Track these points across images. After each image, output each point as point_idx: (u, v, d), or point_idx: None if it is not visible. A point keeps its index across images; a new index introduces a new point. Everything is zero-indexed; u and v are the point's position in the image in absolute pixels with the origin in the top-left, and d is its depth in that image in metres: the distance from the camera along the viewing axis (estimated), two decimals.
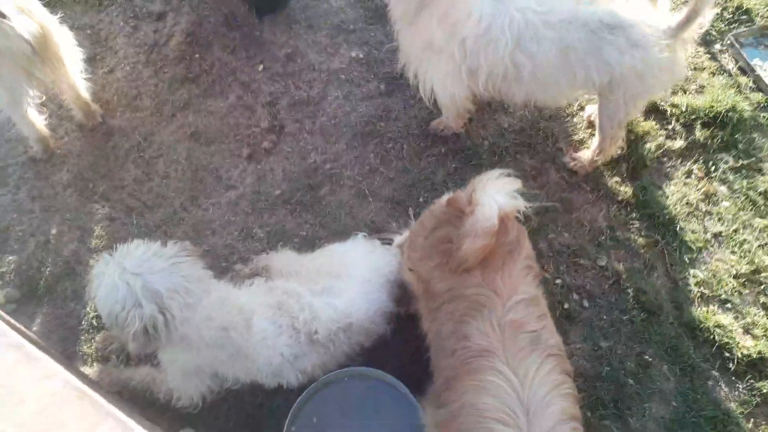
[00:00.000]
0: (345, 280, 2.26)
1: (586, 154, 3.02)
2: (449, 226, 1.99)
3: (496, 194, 1.91)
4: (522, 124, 3.23)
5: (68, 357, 2.58)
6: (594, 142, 2.96)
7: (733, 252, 2.87)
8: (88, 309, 2.70)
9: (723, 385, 2.57)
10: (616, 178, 3.05)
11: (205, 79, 3.35)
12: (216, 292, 2.03)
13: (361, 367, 2.33)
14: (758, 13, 3.67)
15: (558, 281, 2.78)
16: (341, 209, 2.96)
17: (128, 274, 1.78)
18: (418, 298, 2.14)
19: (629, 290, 2.76)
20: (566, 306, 2.72)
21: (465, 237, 1.86)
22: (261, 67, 3.38)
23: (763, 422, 2.48)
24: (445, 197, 2.15)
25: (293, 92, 3.31)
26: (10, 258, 2.84)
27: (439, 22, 2.35)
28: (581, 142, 3.17)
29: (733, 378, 2.58)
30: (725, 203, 3.01)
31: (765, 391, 2.53)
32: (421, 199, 2.99)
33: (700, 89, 3.34)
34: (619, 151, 3.06)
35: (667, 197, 3.01)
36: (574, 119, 3.26)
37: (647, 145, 3.14)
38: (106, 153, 3.13)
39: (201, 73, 3.36)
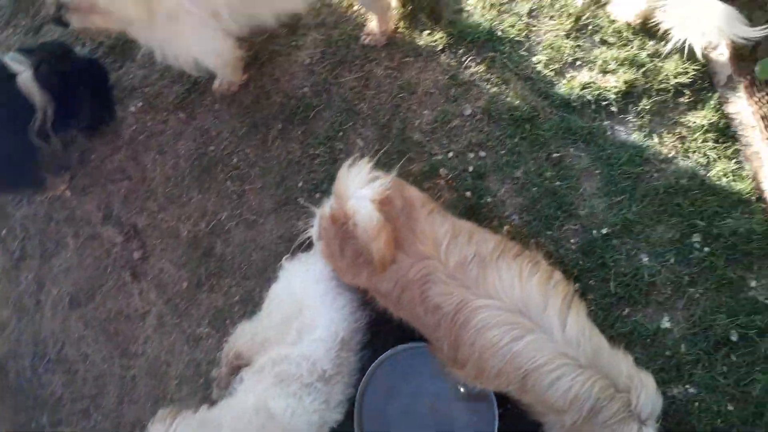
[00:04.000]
0: (307, 310, 2.26)
1: (372, 26, 3.00)
2: (351, 241, 2.00)
3: (360, 192, 1.91)
4: (313, 50, 3.12)
5: None
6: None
7: (551, 17, 2.97)
8: None
9: (618, 127, 2.76)
10: (426, 32, 3.04)
11: (25, 245, 3.07)
12: (224, 417, 2.02)
13: (381, 356, 2.48)
14: None
15: (450, 154, 2.86)
16: (246, 251, 2.91)
17: None
18: (375, 297, 2.20)
19: (503, 116, 2.86)
20: (470, 169, 2.82)
21: (368, 245, 1.89)
22: (67, 192, 3.10)
23: (663, 131, 2.73)
24: (325, 211, 2.14)
25: (114, 188, 3.09)
26: None
27: None
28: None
29: (621, 116, 2.77)
30: None
31: (647, 107, 2.75)
32: (300, 185, 2.95)
33: None
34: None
35: (473, 15, 3.04)
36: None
37: None
38: None
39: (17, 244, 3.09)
